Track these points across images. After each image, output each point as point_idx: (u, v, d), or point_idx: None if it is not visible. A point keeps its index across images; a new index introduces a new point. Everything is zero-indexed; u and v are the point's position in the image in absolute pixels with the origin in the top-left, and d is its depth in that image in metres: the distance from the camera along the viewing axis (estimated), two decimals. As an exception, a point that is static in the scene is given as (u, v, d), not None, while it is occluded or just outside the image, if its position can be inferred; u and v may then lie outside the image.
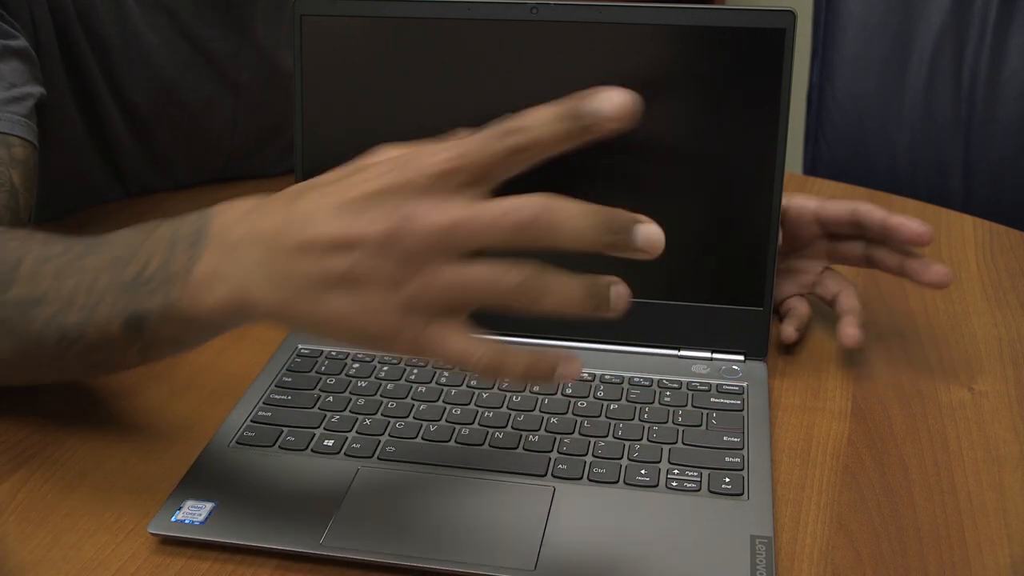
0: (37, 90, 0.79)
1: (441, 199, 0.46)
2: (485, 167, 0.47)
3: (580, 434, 0.62)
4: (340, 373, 0.68)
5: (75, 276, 0.54)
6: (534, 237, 0.46)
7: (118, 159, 0.98)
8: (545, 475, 0.58)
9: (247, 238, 0.50)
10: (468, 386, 0.66)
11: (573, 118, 0.47)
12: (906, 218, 0.70)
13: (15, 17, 0.81)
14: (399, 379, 0.67)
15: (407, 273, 0.46)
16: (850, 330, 0.70)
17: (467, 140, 0.47)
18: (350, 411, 0.64)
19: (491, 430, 0.62)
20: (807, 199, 0.74)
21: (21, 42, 0.79)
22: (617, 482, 0.58)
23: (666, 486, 0.58)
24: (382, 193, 0.47)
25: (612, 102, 0.46)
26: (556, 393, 0.66)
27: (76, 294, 0.54)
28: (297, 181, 0.73)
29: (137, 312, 0.52)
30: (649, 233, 0.48)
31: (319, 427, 0.62)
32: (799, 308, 0.74)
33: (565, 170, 0.70)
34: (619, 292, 0.48)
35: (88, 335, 0.54)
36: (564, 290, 0.47)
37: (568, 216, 0.46)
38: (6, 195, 0.71)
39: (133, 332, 0.53)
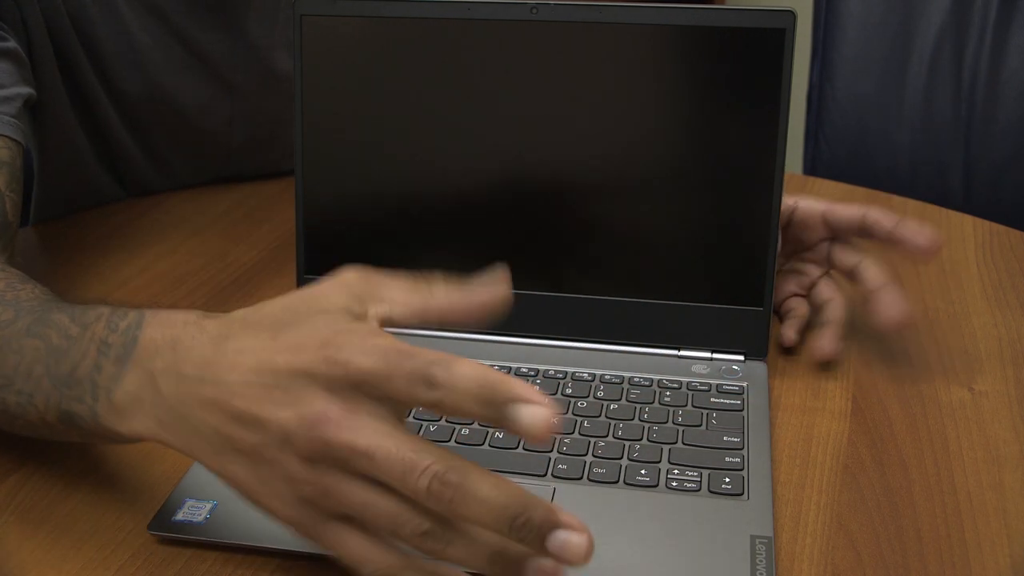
0: (26, 91, 0.79)
1: (356, 411, 0.43)
2: (404, 400, 0.44)
3: (580, 434, 0.62)
4: (340, 373, 0.68)
5: (15, 355, 0.53)
6: (435, 501, 0.42)
7: (117, 160, 0.98)
8: (545, 475, 0.58)
9: (168, 373, 0.48)
10: (468, 386, 0.66)
11: (493, 411, 0.42)
12: (916, 228, 0.70)
13: (5, 19, 0.81)
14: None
15: (306, 473, 0.44)
16: (825, 343, 0.70)
17: (400, 362, 0.43)
18: (350, 411, 0.64)
19: (491, 430, 0.62)
20: (816, 201, 0.74)
21: (11, 43, 0.79)
22: (617, 482, 0.58)
23: (666, 486, 0.58)
24: (303, 375, 0.44)
25: (535, 423, 0.41)
26: (556, 393, 0.66)
27: (15, 376, 0.53)
28: (297, 181, 0.73)
29: (69, 411, 0.52)
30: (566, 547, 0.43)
31: (319, 427, 0.62)
32: (799, 309, 0.74)
33: (566, 169, 0.71)
34: (538, 568, 0.43)
35: (29, 416, 0.54)
36: (469, 551, 0.43)
37: (477, 495, 0.42)
38: None
39: (68, 424, 0.52)
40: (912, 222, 0.71)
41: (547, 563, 0.43)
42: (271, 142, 1.05)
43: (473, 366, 0.42)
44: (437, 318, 0.47)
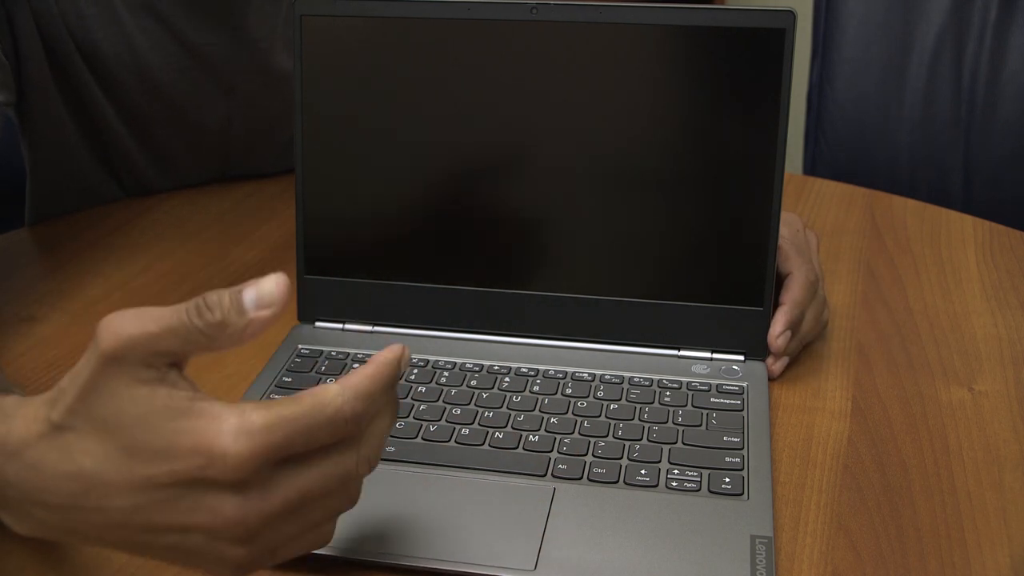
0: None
1: (261, 487, 0.43)
2: (310, 444, 0.44)
3: (580, 434, 0.62)
4: (340, 373, 0.68)
5: None
6: (351, 424, 0.45)
7: (115, 160, 0.98)
8: (545, 475, 0.58)
9: (31, 503, 0.44)
10: (468, 386, 0.66)
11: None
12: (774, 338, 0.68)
13: None
14: (399, 379, 0.67)
15: (242, 551, 0.44)
16: (776, 328, 0.68)
17: (297, 412, 0.43)
18: (350, 411, 0.64)
19: (491, 430, 0.62)
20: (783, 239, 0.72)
21: None
22: (617, 482, 0.58)
23: (666, 486, 0.58)
24: (192, 484, 0.42)
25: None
26: (556, 393, 0.66)
27: None
28: (297, 180, 0.73)
29: None
30: None
31: (319, 427, 0.62)
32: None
33: (566, 169, 0.71)
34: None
35: None
36: (379, 445, 0.48)
37: (367, 393, 0.46)
38: None
39: None
40: (779, 324, 0.68)
41: None
42: (271, 142, 1.05)
43: (369, 380, 0.46)
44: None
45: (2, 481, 0.44)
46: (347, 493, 0.47)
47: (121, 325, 0.42)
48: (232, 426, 0.42)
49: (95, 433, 0.43)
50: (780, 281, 0.71)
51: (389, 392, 0.47)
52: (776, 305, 0.70)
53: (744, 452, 0.60)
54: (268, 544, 0.44)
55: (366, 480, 0.58)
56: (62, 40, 0.88)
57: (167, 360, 0.43)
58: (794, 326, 0.69)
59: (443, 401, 0.65)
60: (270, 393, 0.66)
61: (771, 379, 0.69)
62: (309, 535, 0.46)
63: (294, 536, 0.45)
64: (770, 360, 0.69)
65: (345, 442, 0.45)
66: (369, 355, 0.70)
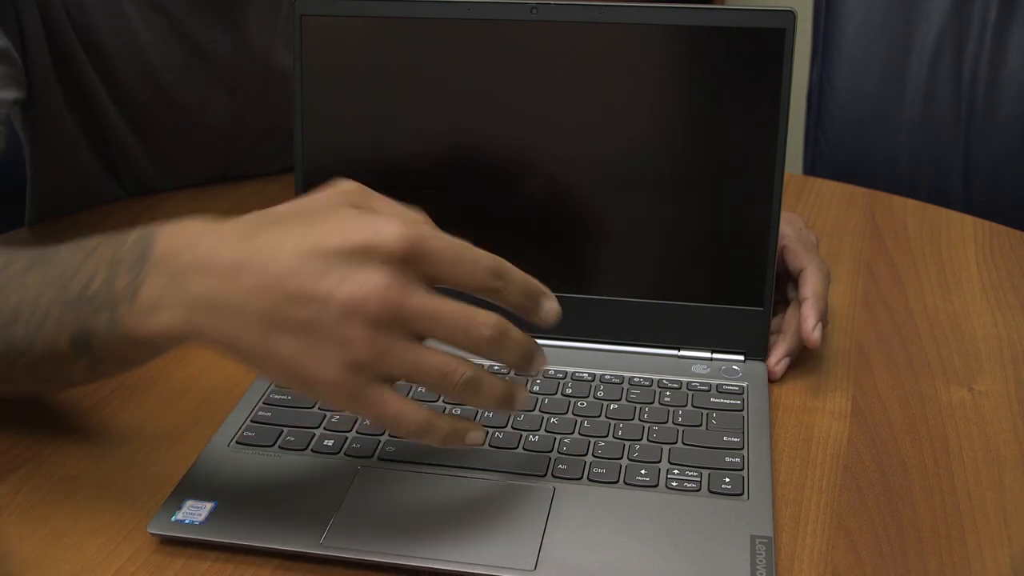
0: (12, 95, 0.79)
1: (408, 279, 0.49)
2: (462, 284, 0.50)
3: (580, 434, 0.62)
4: (340, 373, 0.68)
5: (18, 292, 0.54)
6: (491, 347, 0.50)
7: (116, 158, 0.98)
8: (545, 475, 0.58)
9: (196, 266, 0.50)
10: (468, 386, 0.66)
11: (532, 302, 0.53)
12: (809, 318, 0.68)
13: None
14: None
15: (363, 338, 0.48)
16: (809, 322, 0.68)
17: (467, 254, 0.50)
18: (350, 411, 0.64)
19: (491, 430, 0.62)
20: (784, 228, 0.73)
21: (2, 42, 0.79)
22: (617, 482, 0.58)
23: (666, 486, 0.58)
24: (353, 253, 0.48)
25: (552, 313, 0.53)
26: (556, 393, 0.66)
27: (21, 309, 0.53)
28: (297, 180, 0.73)
29: (83, 329, 0.52)
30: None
31: (319, 427, 0.62)
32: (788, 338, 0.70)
33: (566, 169, 0.71)
34: (519, 397, 0.53)
35: (36, 348, 0.54)
36: (495, 388, 0.52)
37: (515, 339, 0.51)
38: None
39: (80, 348, 0.53)
40: (811, 316, 0.68)
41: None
42: (272, 141, 1.05)
43: (517, 269, 0.52)
44: None
45: (176, 246, 0.51)
46: (448, 380, 0.50)
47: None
48: (400, 218, 0.50)
49: (286, 221, 0.50)
50: (791, 279, 0.71)
51: (520, 352, 0.52)
52: (783, 304, 0.70)
53: (744, 452, 0.60)
54: (384, 355, 0.48)
55: (366, 480, 0.58)
56: (65, 34, 0.88)
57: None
58: (823, 318, 0.69)
59: (443, 401, 0.65)
60: (270, 393, 0.66)
61: (772, 380, 0.69)
62: (406, 407, 0.49)
63: (399, 374, 0.49)
64: (772, 361, 0.69)
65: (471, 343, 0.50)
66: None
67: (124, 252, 0.52)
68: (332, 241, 0.48)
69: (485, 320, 0.49)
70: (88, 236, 0.55)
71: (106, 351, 0.52)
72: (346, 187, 0.52)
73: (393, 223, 0.48)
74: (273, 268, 0.48)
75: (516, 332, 0.51)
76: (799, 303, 0.70)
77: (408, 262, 0.48)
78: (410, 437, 0.50)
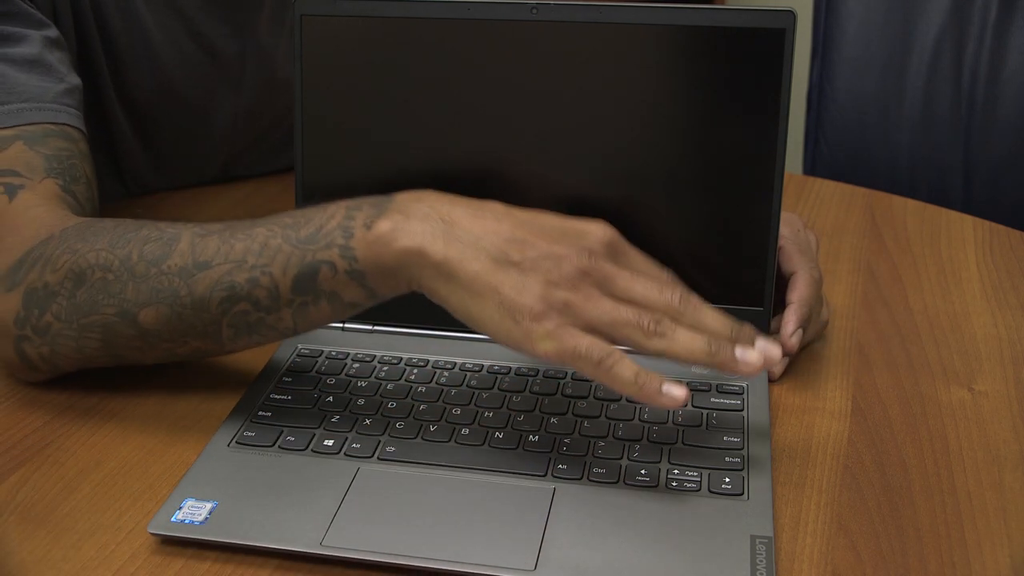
0: (79, 81, 0.80)
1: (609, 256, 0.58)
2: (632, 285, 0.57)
3: (580, 434, 0.62)
4: (340, 373, 0.68)
5: (245, 240, 0.59)
6: (678, 310, 0.57)
7: (119, 157, 0.98)
8: (545, 475, 0.58)
9: (431, 214, 0.57)
10: (468, 386, 0.66)
11: (714, 362, 0.56)
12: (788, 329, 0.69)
13: (39, 7, 0.81)
14: (399, 379, 0.67)
15: (571, 283, 0.55)
16: (788, 328, 0.68)
17: (661, 297, 0.57)
18: (350, 411, 0.64)
19: (491, 430, 0.62)
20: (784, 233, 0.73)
21: (55, 31, 0.80)
22: (617, 482, 0.58)
23: (666, 486, 0.58)
24: (576, 236, 0.57)
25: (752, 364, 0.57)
26: (556, 393, 0.66)
27: (247, 254, 0.59)
28: (297, 180, 0.73)
29: (311, 264, 0.57)
30: (747, 357, 0.56)
31: (319, 427, 0.62)
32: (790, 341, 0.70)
33: (566, 169, 0.71)
34: (747, 358, 0.56)
35: (256, 293, 0.59)
36: (689, 339, 0.56)
37: (708, 313, 0.57)
38: (84, 187, 0.74)
39: (302, 287, 0.58)
40: (791, 322, 0.68)
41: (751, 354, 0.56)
42: (271, 142, 1.05)
43: (713, 315, 0.57)
44: None
45: (416, 198, 0.58)
46: (641, 325, 0.56)
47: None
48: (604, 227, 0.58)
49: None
50: (783, 281, 0.71)
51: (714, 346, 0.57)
52: (779, 304, 0.70)
53: (744, 452, 0.60)
54: (586, 302, 0.55)
55: (366, 480, 0.58)
56: (90, 29, 0.88)
57: None
58: (804, 324, 0.69)
59: (443, 401, 0.65)
60: (270, 393, 0.66)
61: (772, 380, 0.69)
62: (587, 338, 0.55)
63: (594, 320, 0.55)
64: None
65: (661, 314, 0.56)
66: (370, 355, 0.70)
67: (362, 202, 0.58)
68: (556, 222, 0.57)
69: (674, 284, 0.58)
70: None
71: (324, 288, 0.58)
72: (607, 231, 0.59)
73: (599, 228, 0.59)
74: (507, 219, 0.57)
75: (705, 308, 0.57)
76: (788, 297, 0.70)
77: (608, 250, 0.57)
78: (602, 373, 0.55)
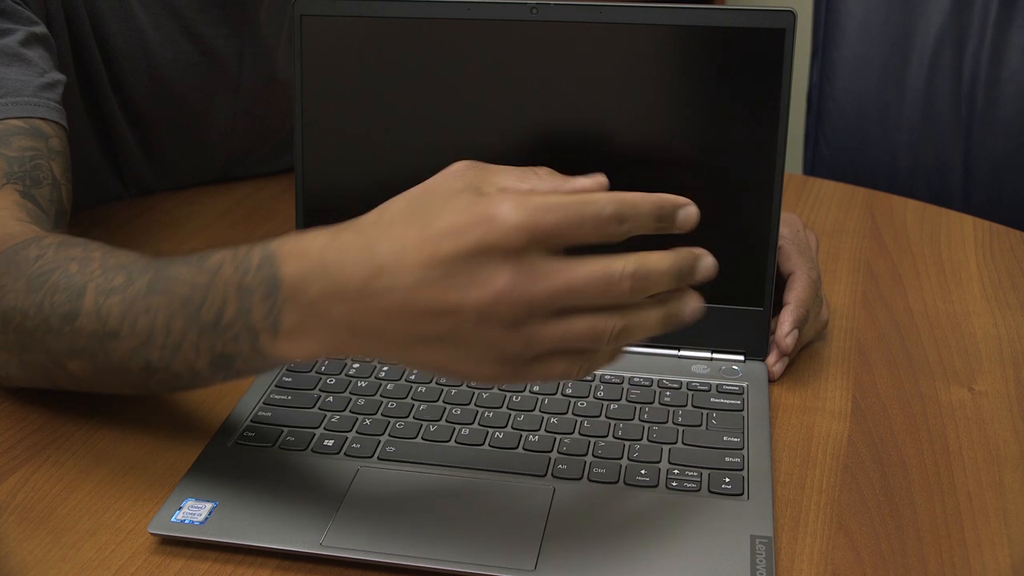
0: (63, 77, 0.80)
1: (533, 266, 0.47)
2: (590, 241, 0.48)
3: (580, 434, 0.62)
4: (340, 373, 0.68)
5: (146, 316, 0.55)
6: (635, 295, 0.49)
7: (120, 157, 0.98)
8: (545, 475, 0.58)
9: (328, 296, 0.49)
10: (468, 386, 0.66)
11: (668, 222, 0.51)
12: (783, 337, 0.69)
13: (29, 5, 0.81)
14: (399, 379, 0.67)
15: (506, 336, 0.48)
16: (783, 328, 0.69)
17: (581, 211, 0.48)
18: (350, 411, 0.64)
19: (491, 430, 0.62)
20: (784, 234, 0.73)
21: (42, 28, 0.80)
22: (617, 482, 0.58)
23: (666, 486, 0.58)
24: (472, 255, 0.47)
25: (691, 219, 0.52)
26: (556, 393, 0.66)
27: (153, 333, 0.54)
28: (297, 181, 0.73)
29: (224, 353, 0.53)
30: (693, 304, 0.53)
31: (319, 427, 0.62)
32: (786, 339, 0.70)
33: (566, 169, 0.70)
34: (692, 306, 0.52)
35: (174, 367, 0.55)
36: (647, 322, 0.50)
37: (659, 270, 0.49)
38: (48, 188, 0.72)
39: (221, 367, 0.54)
40: (786, 323, 0.69)
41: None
42: (271, 142, 1.05)
43: (641, 196, 0.50)
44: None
45: (303, 275, 0.50)
46: (600, 340, 0.49)
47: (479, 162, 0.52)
48: (511, 200, 0.47)
49: (400, 222, 0.49)
50: (782, 281, 0.71)
51: (672, 271, 0.50)
52: (778, 304, 0.70)
53: (744, 452, 0.60)
54: (531, 342, 0.48)
55: (366, 480, 0.58)
56: (83, 26, 0.88)
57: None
58: (800, 325, 0.69)
59: (443, 401, 0.65)
60: (270, 392, 0.66)
61: (772, 380, 0.69)
62: (559, 364, 0.49)
63: (555, 343, 0.48)
64: (771, 360, 0.69)
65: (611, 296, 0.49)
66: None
67: (251, 280, 0.51)
68: (448, 247, 0.47)
69: (621, 271, 0.48)
70: (201, 253, 0.55)
71: (247, 368, 0.54)
72: (457, 169, 0.51)
73: (505, 211, 0.47)
74: (401, 285, 0.48)
75: (657, 262, 0.49)
76: (784, 299, 0.70)
77: (528, 248, 0.47)
78: (587, 374, 0.51)
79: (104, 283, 0.56)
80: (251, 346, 0.52)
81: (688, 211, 0.51)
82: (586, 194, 0.49)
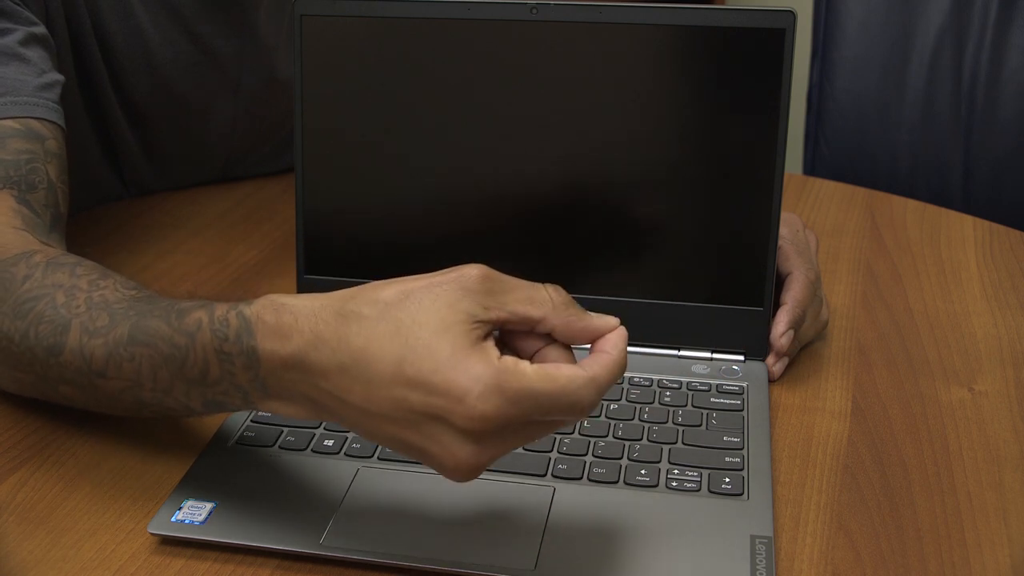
0: (62, 77, 0.80)
1: (497, 438, 0.47)
2: (542, 418, 0.48)
3: (580, 434, 0.62)
4: (340, 373, 0.68)
5: (130, 363, 0.55)
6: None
7: (120, 157, 0.98)
8: (545, 475, 0.58)
9: (307, 384, 0.49)
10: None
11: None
12: (777, 336, 0.69)
13: (28, 6, 0.81)
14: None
15: (475, 464, 0.48)
16: (779, 328, 0.69)
17: (544, 392, 0.47)
18: (350, 411, 0.64)
19: (491, 430, 0.62)
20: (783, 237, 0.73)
21: (42, 29, 0.80)
22: (617, 482, 0.58)
23: (666, 486, 0.58)
24: (438, 421, 0.47)
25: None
26: (556, 393, 0.66)
27: (140, 379, 0.55)
28: (297, 181, 0.73)
29: (217, 401, 0.54)
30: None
31: (319, 427, 0.62)
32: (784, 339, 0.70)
33: (566, 169, 0.70)
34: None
35: (166, 405, 0.56)
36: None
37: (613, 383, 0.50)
38: (44, 192, 0.71)
39: (215, 408, 0.55)
40: (782, 323, 0.69)
41: None
42: (271, 142, 1.05)
43: (614, 368, 0.49)
44: (549, 331, 0.50)
45: (280, 353, 0.49)
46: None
47: (493, 271, 0.50)
48: (487, 383, 0.46)
49: (383, 337, 0.47)
50: (780, 281, 0.71)
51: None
52: (777, 305, 0.70)
53: (744, 452, 0.60)
54: (491, 457, 0.48)
55: (366, 480, 0.58)
56: (83, 25, 0.88)
57: (492, 326, 0.49)
58: (796, 325, 0.69)
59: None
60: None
61: (771, 380, 0.69)
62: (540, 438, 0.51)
63: (515, 447, 0.49)
64: (770, 360, 0.69)
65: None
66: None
67: (230, 348, 0.51)
68: (416, 402, 0.46)
69: (585, 405, 0.48)
70: (179, 307, 0.54)
71: (240, 410, 0.55)
72: (473, 281, 0.49)
73: (476, 397, 0.45)
74: (372, 409, 0.48)
75: (613, 375, 0.49)
76: (780, 299, 0.70)
77: (493, 431, 0.46)
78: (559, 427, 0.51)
79: (88, 322, 0.57)
80: (243, 399, 0.53)
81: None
82: (569, 387, 0.47)
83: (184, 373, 0.53)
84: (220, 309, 0.52)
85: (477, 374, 0.46)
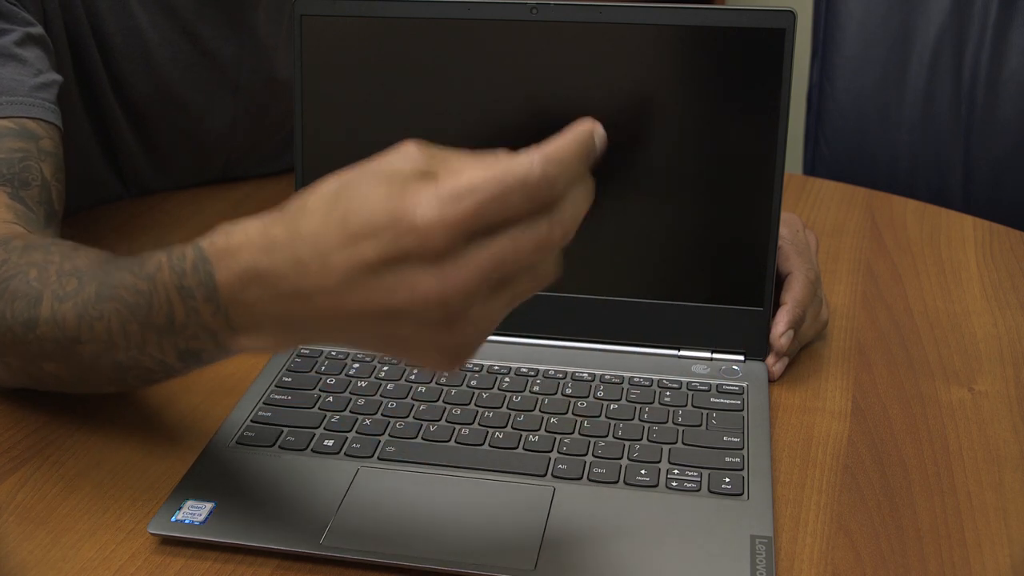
0: (59, 77, 0.80)
1: (456, 261, 0.44)
2: (504, 214, 0.45)
3: (580, 434, 0.62)
4: (340, 373, 0.68)
5: (99, 321, 0.55)
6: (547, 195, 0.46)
7: (120, 157, 0.98)
8: (545, 475, 0.58)
9: (265, 299, 0.49)
10: (468, 386, 0.66)
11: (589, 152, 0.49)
12: (777, 336, 0.69)
13: (26, 6, 0.81)
14: (399, 379, 0.67)
15: (441, 327, 0.46)
16: (778, 328, 0.69)
17: (482, 179, 0.44)
18: (350, 411, 0.64)
19: (491, 430, 0.62)
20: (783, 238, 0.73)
21: (39, 29, 0.80)
22: (617, 482, 0.58)
23: (666, 486, 0.58)
24: (392, 260, 0.45)
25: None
26: (556, 393, 0.66)
27: (112, 337, 0.55)
28: (297, 182, 0.73)
29: (190, 349, 0.53)
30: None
31: (319, 427, 0.62)
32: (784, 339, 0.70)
33: (565, 170, 0.70)
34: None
35: (144, 364, 0.55)
36: (574, 212, 0.48)
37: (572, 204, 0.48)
38: (37, 190, 0.72)
39: (190, 360, 0.54)
40: (781, 323, 0.69)
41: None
42: (271, 142, 1.05)
43: (562, 142, 0.47)
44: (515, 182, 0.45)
45: (237, 279, 0.49)
46: (544, 264, 0.47)
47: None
48: (425, 196, 0.43)
49: (321, 211, 0.46)
50: (780, 281, 0.71)
51: (584, 162, 0.47)
52: (777, 305, 0.70)
53: (744, 452, 0.60)
54: (472, 324, 0.46)
55: (366, 480, 0.58)
56: (81, 26, 0.88)
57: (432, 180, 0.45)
58: (796, 325, 0.69)
59: (443, 401, 0.65)
60: (270, 393, 0.66)
61: (771, 380, 0.69)
62: (503, 299, 0.46)
63: (497, 312, 0.46)
64: (770, 360, 0.69)
65: (538, 208, 0.45)
66: (370, 354, 0.70)
67: (189, 282, 0.51)
68: (367, 251, 0.45)
69: (560, 239, 0.46)
70: (142, 256, 0.54)
71: (217, 359, 0.54)
72: (411, 150, 0.47)
73: (419, 210, 0.43)
74: (329, 288, 0.46)
75: (567, 153, 0.47)
76: (781, 299, 0.70)
77: (450, 247, 0.44)
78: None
79: (58, 289, 0.57)
80: (213, 342, 0.52)
81: (598, 130, 0.49)
82: (515, 168, 0.44)
83: (152, 320, 0.53)
84: (179, 247, 0.52)
85: (416, 197, 0.44)
